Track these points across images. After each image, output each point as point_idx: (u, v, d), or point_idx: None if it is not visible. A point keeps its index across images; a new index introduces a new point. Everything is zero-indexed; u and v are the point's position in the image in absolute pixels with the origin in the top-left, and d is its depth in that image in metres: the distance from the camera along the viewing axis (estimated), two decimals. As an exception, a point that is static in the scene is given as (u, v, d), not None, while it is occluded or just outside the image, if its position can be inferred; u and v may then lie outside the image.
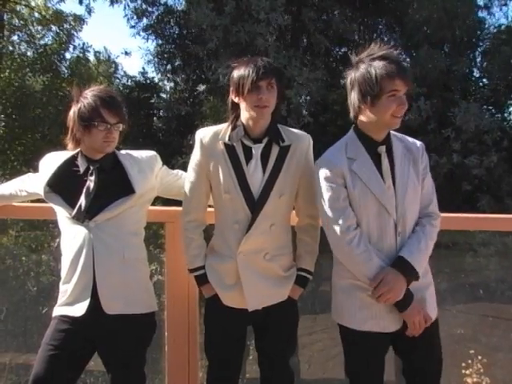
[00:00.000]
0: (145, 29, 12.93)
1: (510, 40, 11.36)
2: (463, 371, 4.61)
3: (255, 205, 2.14)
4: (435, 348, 2.17)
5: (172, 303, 2.58)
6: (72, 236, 2.21)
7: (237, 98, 2.14)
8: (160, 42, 12.99)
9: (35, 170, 2.45)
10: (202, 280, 2.26)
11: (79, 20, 14.16)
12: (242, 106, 2.13)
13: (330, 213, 2.07)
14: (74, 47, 13.82)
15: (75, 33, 14.14)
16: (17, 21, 14.14)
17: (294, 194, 2.22)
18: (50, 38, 14.22)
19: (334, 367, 5.58)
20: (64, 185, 2.25)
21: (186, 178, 2.30)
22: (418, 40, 11.25)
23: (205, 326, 2.31)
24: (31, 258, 7.29)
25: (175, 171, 2.49)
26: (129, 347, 2.19)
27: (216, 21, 10.73)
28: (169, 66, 13.15)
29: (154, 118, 13.50)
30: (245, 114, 2.14)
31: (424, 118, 10.32)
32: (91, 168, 2.22)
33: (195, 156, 2.23)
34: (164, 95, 13.46)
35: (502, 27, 12.22)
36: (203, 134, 2.22)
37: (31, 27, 14.09)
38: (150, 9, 12.91)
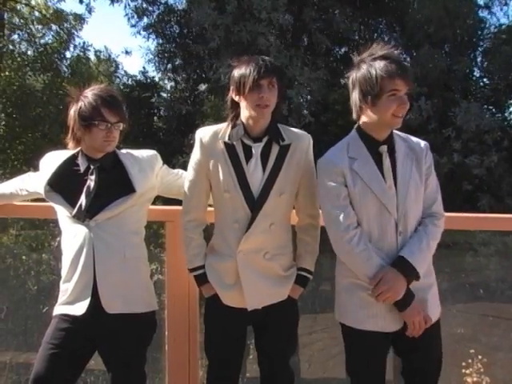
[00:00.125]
0: (145, 28, 12.92)
1: (511, 40, 11.35)
2: (463, 371, 4.61)
3: (255, 204, 2.14)
4: (435, 349, 2.17)
5: (172, 302, 2.58)
6: (72, 235, 2.21)
7: (237, 97, 2.14)
8: (160, 41, 12.98)
9: (35, 169, 2.45)
10: (201, 279, 2.26)
11: (79, 19, 14.18)
12: (243, 104, 2.13)
13: (330, 211, 2.07)
14: (75, 46, 13.86)
15: (75, 32, 14.18)
16: (17, 20, 14.15)
17: (294, 193, 2.22)
18: (51, 37, 14.25)
19: (334, 366, 5.58)
20: (64, 184, 2.25)
21: (185, 178, 2.31)
22: (419, 40, 11.24)
23: (205, 326, 2.31)
24: (32, 257, 7.29)
25: (175, 170, 2.49)
26: (129, 346, 2.19)
27: (218, 20, 10.72)
28: (169, 65, 13.14)
29: (155, 118, 13.49)
30: (245, 113, 2.14)
31: (425, 118, 10.32)
32: (92, 167, 2.22)
33: (195, 155, 2.23)
34: (164, 94, 13.45)
35: (503, 27, 12.21)
36: (203, 134, 2.22)
37: (31, 26, 14.09)
38: (150, 8, 12.90)
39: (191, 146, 2.27)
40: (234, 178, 2.14)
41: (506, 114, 12.24)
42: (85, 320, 2.14)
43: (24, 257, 7.25)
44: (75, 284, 2.18)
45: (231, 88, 2.17)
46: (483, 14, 12.33)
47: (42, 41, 14.03)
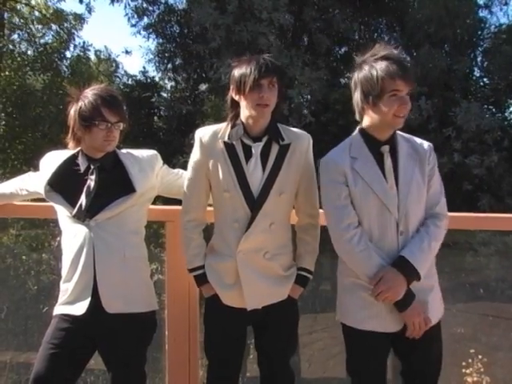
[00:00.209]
0: (145, 28, 12.90)
1: (511, 39, 11.35)
2: (463, 370, 4.61)
3: (255, 203, 2.13)
4: (435, 350, 2.16)
5: (172, 302, 2.58)
6: (73, 235, 2.21)
7: (237, 97, 2.14)
8: (161, 40, 12.96)
9: (36, 168, 2.45)
10: (201, 280, 2.26)
11: (79, 19, 14.17)
12: (243, 104, 2.13)
13: (331, 210, 2.08)
14: (75, 46, 13.86)
15: (75, 31, 14.17)
16: (17, 19, 14.14)
17: (293, 192, 2.22)
18: (51, 36, 14.25)
19: (334, 366, 5.58)
20: (65, 184, 2.25)
21: (185, 177, 2.31)
22: (419, 39, 11.23)
23: (204, 326, 2.31)
24: (32, 256, 7.30)
25: (176, 170, 2.49)
26: (129, 346, 2.19)
27: (219, 20, 10.71)
28: (169, 65, 13.13)
29: (155, 117, 13.48)
30: (245, 113, 2.14)
31: (425, 118, 10.31)
32: (92, 167, 2.22)
33: (195, 155, 2.23)
34: (165, 94, 13.44)
35: (503, 27, 12.20)
36: (202, 133, 2.22)
37: (31, 26, 14.08)
38: (150, 8, 12.89)
39: (191, 146, 2.26)
40: (233, 178, 2.14)
41: (506, 114, 12.24)
42: (85, 320, 2.14)
43: (24, 257, 7.26)
44: (75, 284, 2.18)
45: (231, 87, 2.17)
46: (483, 13, 12.34)
47: (42, 40, 14.04)
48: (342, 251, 2.09)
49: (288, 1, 10.83)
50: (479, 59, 12.37)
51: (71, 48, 13.83)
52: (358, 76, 2.07)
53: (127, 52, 14.83)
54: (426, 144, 2.18)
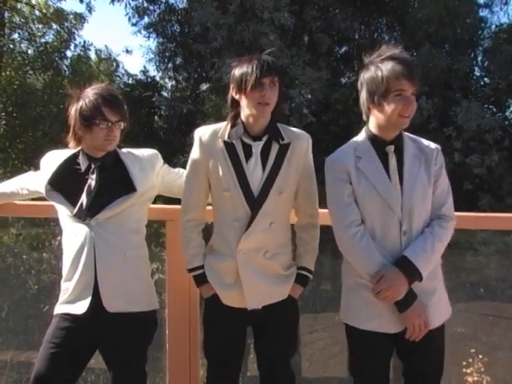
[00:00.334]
0: (146, 27, 12.90)
1: (511, 39, 11.34)
2: (464, 370, 4.60)
3: (255, 202, 2.13)
4: (436, 352, 2.15)
5: (173, 301, 2.59)
6: (73, 234, 2.21)
7: (238, 96, 2.14)
8: (161, 40, 12.96)
9: (36, 168, 2.45)
10: (201, 280, 2.25)
11: (80, 18, 14.19)
12: (243, 103, 2.13)
13: (334, 208, 2.10)
14: (75, 45, 13.89)
15: (76, 31, 14.20)
16: (17, 19, 14.14)
17: (293, 192, 2.22)
18: (51, 36, 14.26)
19: (334, 366, 5.58)
20: (65, 183, 2.25)
21: (184, 177, 2.31)
22: (419, 39, 11.23)
23: (204, 326, 2.31)
24: (32, 256, 7.30)
25: (176, 170, 2.49)
26: (130, 345, 2.19)
27: (221, 19, 10.71)
28: (170, 65, 13.12)
29: (155, 117, 13.48)
30: (245, 112, 2.14)
31: (425, 117, 10.30)
32: (92, 166, 2.23)
33: (194, 154, 2.23)
34: (165, 93, 13.44)
35: (504, 26, 12.20)
36: (202, 132, 2.21)
37: (32, 25, 14.09)
38: (151, 7, 12.89)
39: (192, 146, 2.26)
40: (233, 177, 2.14)
41: (507, 114, 12.23)
42: (86, 319, 2.15)
43: (25, 256, 7.26)
44: (76, 283, 2.18)
45: (231, 86, 2.16)
46: (483, 13, 12.34)
47: (43, 40, 14.04)
48: (345, 248, 2.10)
49: (289, 0, 10.83)
50: (480, 59, 12.37)
51: (72, 47, 13.88)
52: (363, 76, 2.09)
53: (128, 51, 14.87)
54: (433, 145, 2.18)
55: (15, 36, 14.05)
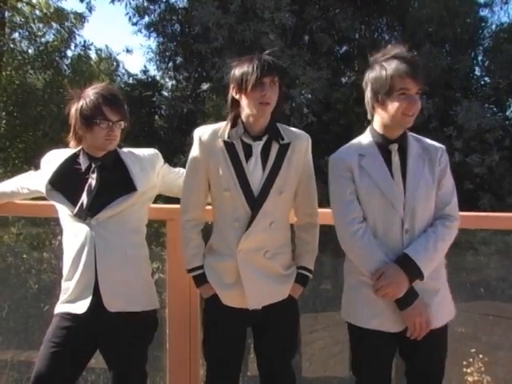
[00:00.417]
0: (146, 26, 12.88)
1: (512, 38, 11.35)
2: (464, 369, 4.61)
3: (255, 202, 2.13)
4: (439, 351, 2.15)
5: (173, 301, 2.59)
6: (74, 234, 2.21)
7: (238, 95, 2.14)
8: (162, 39, 12.94)
9: (36, 167, 2.45)
10: (200, 280, 2.25)
11: (80, 17, 14.15)
12: (244, 102, 2.13)
13: (337, 205, 2.11)
14: (76, 45, 13.84)
15: (76, 30, 14.15)
16: (18, 18, 14.12)
17: (293, 191, 2.23)
18: (51, 35, 14.23)
19: (335, 365, 5.59)
20: (66, 182, 2.25)
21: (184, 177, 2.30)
22: (420, 39, 11.21)
23: (204, 326, 2.31)
24: (33, 255, 7.31)
25: (177, 169, 2.49)
26: (130, 345, 2.20)
27: (222, 19, 10.70)
28: (170, 64, 13.10)
29: (156, 116, 13.46)
30: (246, 111, 2.14)
31: (426, 117, 10.29)
32: (93, 166, 2.23)
33: (194, 154, 2.23)
34: (166, 93, 13.42)
35: (504, 26, 12.19)
36: (202, 132, 2.21)
37: (32, 25, 14.07)
38: (151, 6, 12.87)
39: (192, 145, 2.26)
40: (233, 177, 2.14)
41: (508, 113, 12.20)
42: (86, 318, 2.15)
43: (25, 255, 7.27)
44: (76, 282, 2.19)
45: (231, 86, 2.16)
46: (484, 12, 12.31)
47: (43, 39, 14.02)
48: (346, 245, 2.10)
49: (290, 0, 10.83)
50: (480, 58, 12.35)
51: (72, 47, 13.83)
52: (368, 76, 2.10)
53: (128, 51, 14.81)
54: (437, 145, 2.19)
55: (15, 35, 14.03)
